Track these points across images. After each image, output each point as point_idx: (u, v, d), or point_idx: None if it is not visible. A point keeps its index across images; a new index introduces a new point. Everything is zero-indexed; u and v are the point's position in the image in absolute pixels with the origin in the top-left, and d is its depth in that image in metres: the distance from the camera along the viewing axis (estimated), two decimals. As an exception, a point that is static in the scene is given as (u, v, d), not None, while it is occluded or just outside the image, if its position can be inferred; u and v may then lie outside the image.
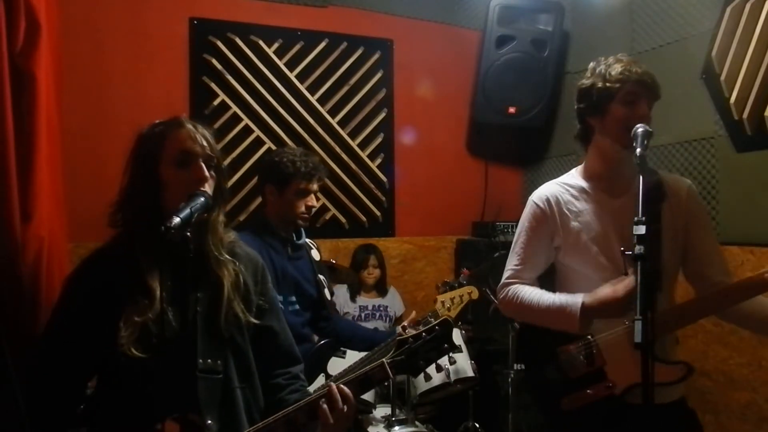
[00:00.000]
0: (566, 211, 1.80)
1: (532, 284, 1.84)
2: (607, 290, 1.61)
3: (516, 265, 1.85)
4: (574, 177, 1.86)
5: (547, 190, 1.85)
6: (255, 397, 1.49)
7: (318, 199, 2.53)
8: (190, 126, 1.43)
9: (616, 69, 1.67)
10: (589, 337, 1.72)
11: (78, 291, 1.41)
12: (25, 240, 1.59)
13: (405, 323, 2.54)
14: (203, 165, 1.40)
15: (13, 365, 1.06)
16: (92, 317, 1.35)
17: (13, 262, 1.56)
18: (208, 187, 1.40)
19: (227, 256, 1.47)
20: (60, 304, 1.44)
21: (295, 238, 2.42)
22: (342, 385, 1.37)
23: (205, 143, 1.42)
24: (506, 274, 1.87)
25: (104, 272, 1.39)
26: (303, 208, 2.35)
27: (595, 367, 1.70)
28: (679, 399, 1.73)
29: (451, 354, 2.34)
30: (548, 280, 1.90)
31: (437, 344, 1.40)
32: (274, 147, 3.55)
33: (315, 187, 2.39)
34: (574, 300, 1.67)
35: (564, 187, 1.83)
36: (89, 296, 1.37)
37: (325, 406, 1.34)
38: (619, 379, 1.67)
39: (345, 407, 1.34)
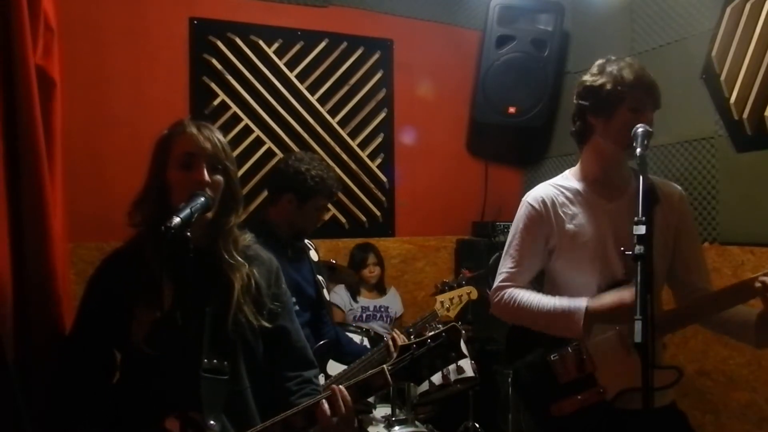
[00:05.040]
0: (561, 214, 1.76)
1: (526, 288, 1.80)
2: (613, 296, 1.58)
3: (511, 268, 1.80)
4: (569, 179, 1.83)
5: (542, 191, 1.81)
6: (262, 396, 1.51)
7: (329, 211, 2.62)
8: (194, 129, 1.43)
9: (630, 73, 1.65)
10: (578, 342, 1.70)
11: (96, 291, 1.47)
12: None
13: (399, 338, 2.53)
14: (205, 167, 1.40)
15: (17, 365, 1.06)
16: (109, 316, 1.41)
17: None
18: (210, 190, 1.39)
19: (239, 259, 1.48)
20: (82, 304, 1.49)
21: (295, 241, 2.42)
22: (344, 388, 1.35)
23: (209, 145, 1.41)
24: (500, 277, 1.82)
25: (119, 272, 1.44)
26: (317, 222, 2.43)
27: (585, 373, 1.69)
28: (669, 403, 1.72)
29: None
30: (537, 284, 1.88)
31: (443, 351, 1.35)
32: (274, 147, 3.56)
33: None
34: (577, 305, 1.62)
35: (558, 189, 1.80)
36: (106, 296, 1.44)
37: (326, 405, 1.32)
38: (610, 385, 1.65)
39: (345, 410, 1.33)
